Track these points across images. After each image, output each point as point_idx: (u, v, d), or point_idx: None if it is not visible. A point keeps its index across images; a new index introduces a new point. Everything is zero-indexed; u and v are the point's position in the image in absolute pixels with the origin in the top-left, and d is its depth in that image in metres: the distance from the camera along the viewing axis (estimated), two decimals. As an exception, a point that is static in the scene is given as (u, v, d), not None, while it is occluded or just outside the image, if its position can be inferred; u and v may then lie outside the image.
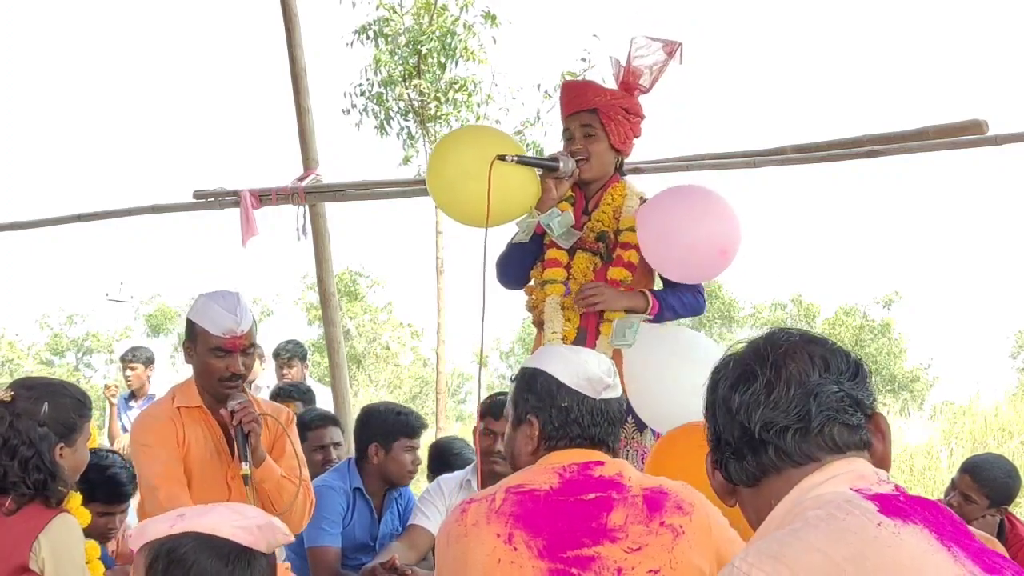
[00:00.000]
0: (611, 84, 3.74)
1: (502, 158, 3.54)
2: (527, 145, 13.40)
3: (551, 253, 3.71)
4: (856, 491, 1.38)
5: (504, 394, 4.13)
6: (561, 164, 3.66)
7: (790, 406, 1.48)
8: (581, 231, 3.68)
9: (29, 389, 2.86)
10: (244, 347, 3.36)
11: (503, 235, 3.81)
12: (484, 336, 3.63)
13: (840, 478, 1.41)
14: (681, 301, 3.65)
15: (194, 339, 3.39)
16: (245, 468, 3.27)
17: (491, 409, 4.07)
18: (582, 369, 2.37)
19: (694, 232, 3.51)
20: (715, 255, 3.54)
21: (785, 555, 1.29)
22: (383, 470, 4.26)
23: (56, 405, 2.82)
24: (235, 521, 2.02)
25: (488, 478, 3.76)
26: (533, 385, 2.38)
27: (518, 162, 3.60)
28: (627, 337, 3.56)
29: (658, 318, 3.63)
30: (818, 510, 1.35)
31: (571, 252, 3.70)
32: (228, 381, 3.35)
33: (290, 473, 3.43)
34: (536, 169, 3.70)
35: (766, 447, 1.48)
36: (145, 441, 3.37)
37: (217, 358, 3.34)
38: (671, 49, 3.63)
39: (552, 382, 2.36)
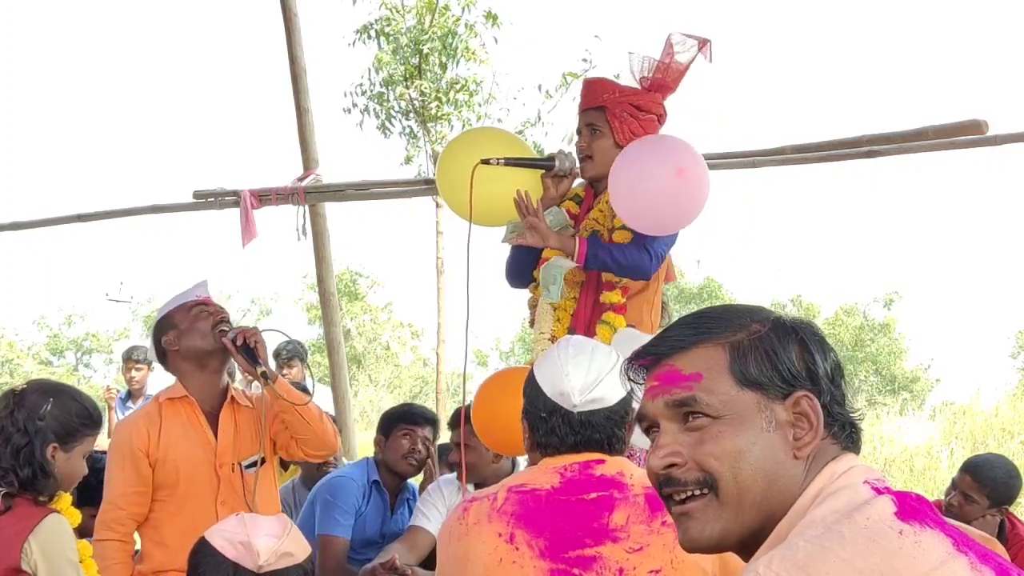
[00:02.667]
0: (627, 80, 3.69)
1: (486, 161, 3.56)
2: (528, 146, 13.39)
3: (546, 252, 3.70)
4: (872, 487, 1.38)
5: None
6: (557, 163, 3.65)
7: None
8: (576, 230, 3.67)
9: (40, 387, 2.92)
10: (218, 306, 3.54)
11: (495, 236, 3.82)
12: (468, 338, 3.64)
13: (856, 470, 1.41)
14: (621, 254, 3.50)
15: (174, 323, 3.50)
16: (261, 368, 3.40)
17: (453, 419, 4.12)
18: (559, 381, 2.31)
19: (648, 159, 3.43)
20: (671, 176, 3.39)
21: (812, 565, 1.28)
22: (386, 461, 4.36)
23: (60, 406, 2.85)
24: (227, 532, 2.28)
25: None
26: (527, 388, 2.37)
27: (505, 164, 3.60)
28: (551, 292, 3.50)
29: (591, 262, 3.51)
30: (839, 512, 1.34)
31: (567, 251, 3.68)
32: (221, 325, 3.48)
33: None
34: (539, 169, 3.70)
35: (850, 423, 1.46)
36: (112, 456, 3.46)
37: (202, 316, 3.48)
38: (702, 45, 3.59)
39: (536, 389, 2.34)
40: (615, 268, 3.53)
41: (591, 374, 2.31)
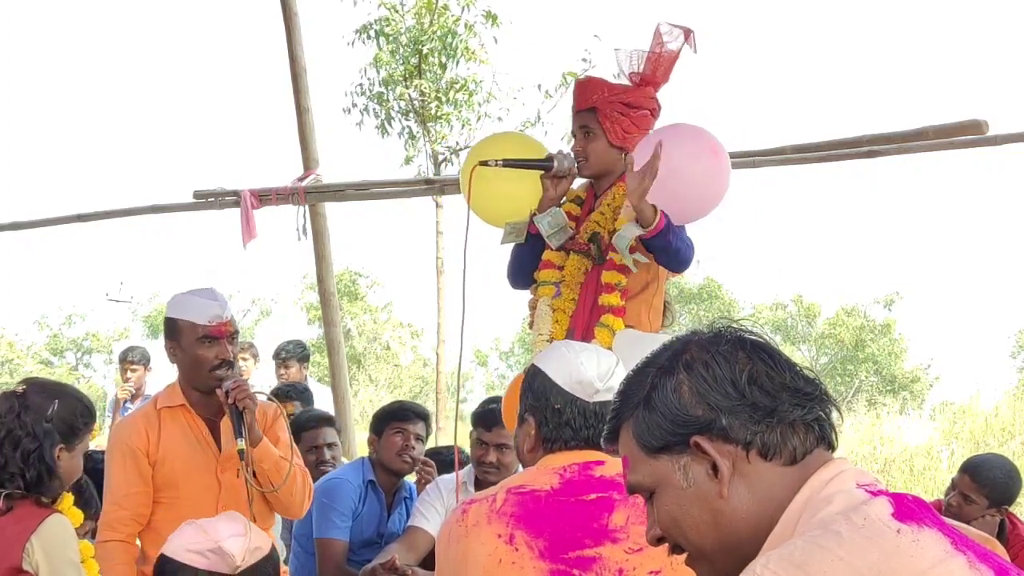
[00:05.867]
0: (624, 78, 3.67)
1: (484, 163, 3.56)
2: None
3: (546, 254, 3.69)
4: (866, 490, 1.37)
5: (497, 400, 4.11)
6: (555, 163, 3.64)
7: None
8: (576, 231, 3.66)
9: (42, 387, 2.91)
10: (230, 333, 3.40)
11: (495, 235, 3.83)
12: (464, 341, 3.67)
13: (845, 474, 1.41)
14: (683, 241, 3.50)
15: (178, 335, 3.41)
16: (241, 444, 3.32)
17: (482, 419, 4.05)
18: (575, 371, 2.33)
19: (684, 143, 3.46)
20: (707, 154, 3.47)
21: (809, 564, 1.28)
22: (380, 460, 4.35)
23: (65, 406, 2.85)
24: (191, 545, 2.25)
25: (483, 486, 3.75)
26: (533, 384, 2.37)
27: (504, 165, 3.61)
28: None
29: (659, 238, 3.46)
30: (835, 514, 1.34)
31: (568, 253, 3.68)
32: (219, 369, 3.38)
33: (286, 459, 3.49)
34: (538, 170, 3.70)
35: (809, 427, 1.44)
36: (110, 455, 3.45)
37: (206, 347, 3.37)
38: (687, 35, 3.59)
39: (547, 383, 2.34)
40: (674, 251, 3.50)
41: (603, 365, 2.35)
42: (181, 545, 2.24)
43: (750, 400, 1.42)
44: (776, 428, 1.42)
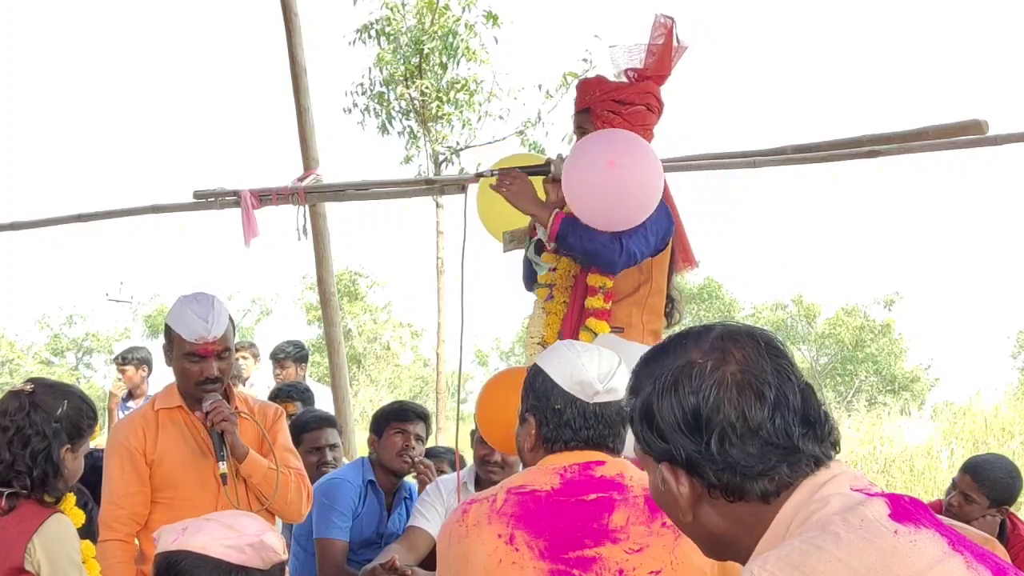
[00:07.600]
0: (623, 76, 3.66)
1: (480, 175, 3.58)
2: (529, 146, 13.40)
3: (544, 256, 3.70)
4: (863, 493, 1.37)
5: None
6: (552, 168, 3.63)
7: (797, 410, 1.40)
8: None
9: (49, 386, 2.92)
10: (218, 352, 3.38)
11: (496, 237, 3.84)
12: (463, 344, 3.68)
13: (840, 477, 1.40)
14: (590, 239, 3.44)
15: (171, 343, 3.44)
16: (222, 467, 3.35)
17: None
18: (576, 372, 2.34)
19: (583, 153, 3.45)
20: (603, 168, 3.37)
21: (807, 564, 1.28)
22: (380, 460, 4.36)
23: (72, 407, 2.86)
24: (226, 540, 2.11)
25: (485, 486, 3.76)
26: (534, 384, 2.38)
27: (500, 174, 3.63)
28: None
29: (559, 243, 3.51)
30: (832, 514, 1.34)
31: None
32: (203, 385, 3.39)
33: (284, 463, 3.49)
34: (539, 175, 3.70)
35: (798, 459, 1.39)
36: (108, 455, 3.46)
37: (191, 363, 3.38)
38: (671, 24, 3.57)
39: (548, 383, 2.34)
40: (580, 253, 3.50)
41: (604, 365, 2.35)
42: (213, 539, 2.12)
43: (719, 457, 1.38)
44: (739, 479, 1.39)
